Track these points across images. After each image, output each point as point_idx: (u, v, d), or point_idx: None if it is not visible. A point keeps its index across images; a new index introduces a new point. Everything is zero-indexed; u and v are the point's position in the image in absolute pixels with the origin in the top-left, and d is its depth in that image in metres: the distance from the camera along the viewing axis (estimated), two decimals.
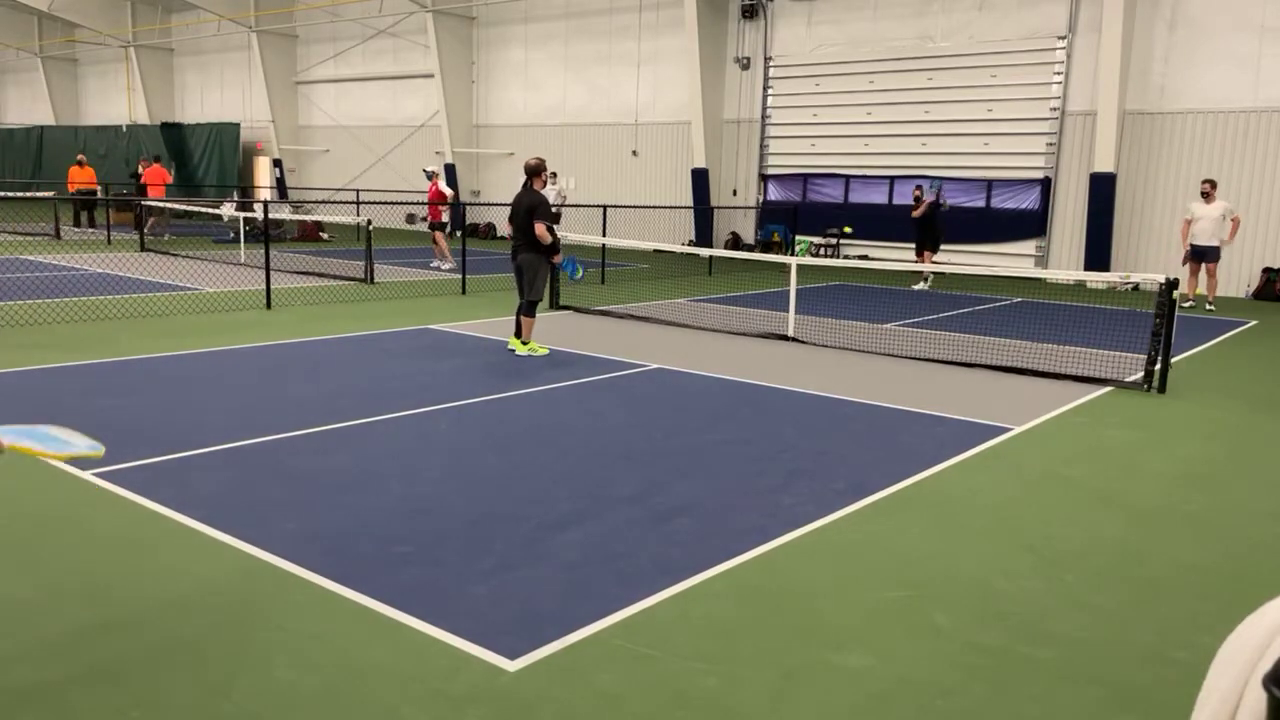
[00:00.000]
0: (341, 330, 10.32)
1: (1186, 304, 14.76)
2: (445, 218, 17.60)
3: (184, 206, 22.13)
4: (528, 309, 9.13)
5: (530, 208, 8.97)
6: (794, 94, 21.79)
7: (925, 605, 3.88)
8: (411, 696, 3.07)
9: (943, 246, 19.60)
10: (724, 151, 23.09)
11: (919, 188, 17.44)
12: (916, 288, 16.66)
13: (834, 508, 5.02)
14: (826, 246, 21.37)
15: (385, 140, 30.22)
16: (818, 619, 3.72)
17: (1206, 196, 14.40)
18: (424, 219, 17.97)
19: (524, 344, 9.16)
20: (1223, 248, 14.46)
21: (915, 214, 16.98)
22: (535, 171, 9.06)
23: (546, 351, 9.25)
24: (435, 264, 17.82)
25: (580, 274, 9.61)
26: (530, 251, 9.08)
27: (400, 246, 22.74)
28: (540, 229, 8.88)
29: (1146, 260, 17.84)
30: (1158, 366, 8.39)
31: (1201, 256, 14.39)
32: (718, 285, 16.47)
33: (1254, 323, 13.54)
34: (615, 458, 5.80)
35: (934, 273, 17.92)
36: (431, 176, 18.16)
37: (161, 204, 21.61)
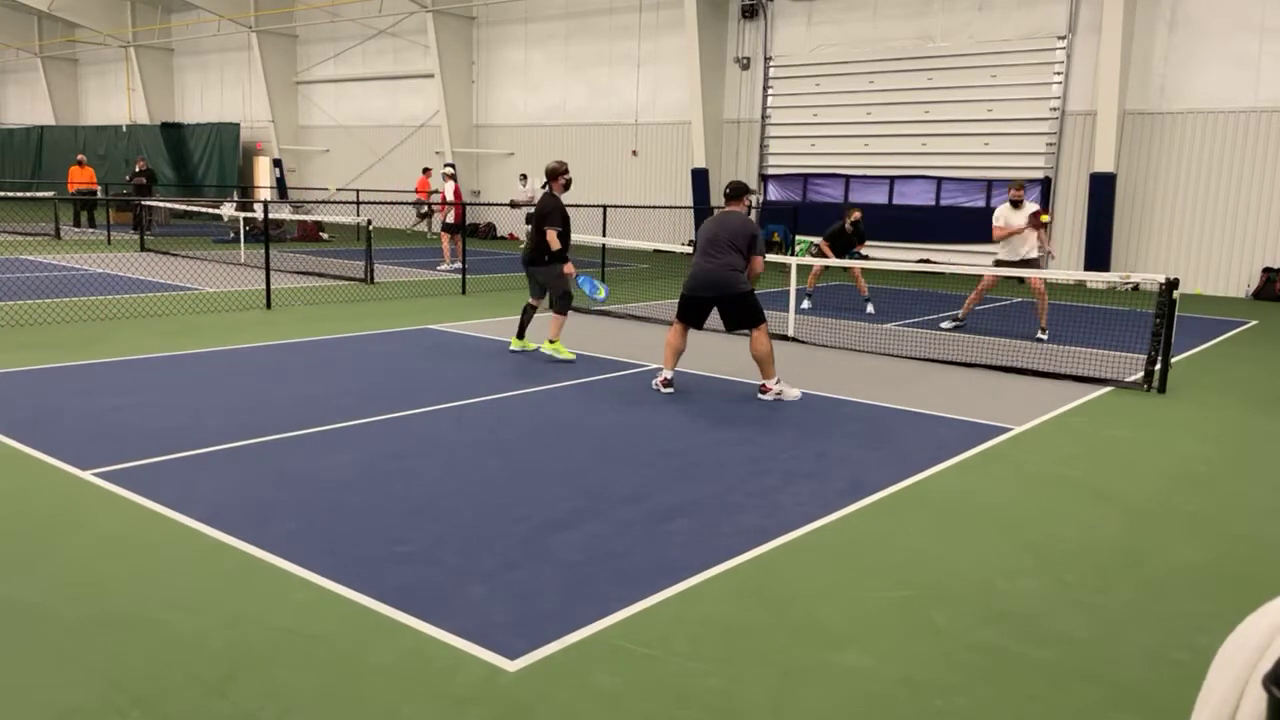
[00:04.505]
0: (341, 330, 10.32)
1: (947, 324, 11.90)
2: (450, 218, 17.58)
3: (184, 206, 22.13)
4: (559, 306, 8.89)
5: (542, 214, 8.76)
6: (794, 94, 21.79)
7: (925, 605, 3.88)
8: (411, 696, 3.06)
9: (944, 246, 19.64)
10: (724, 151, 23.09)
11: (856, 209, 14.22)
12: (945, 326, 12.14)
13: (834, 508, 5.02)
14: None
15: (385, 140, 30.22)
16: (818, 619, 3.72)
17: (1017, 204, 11.28)
18: (424, 214, 17.96)
19: (550, 343, 8.86)
20: (1046, 258, 11.20)
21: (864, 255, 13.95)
22: (553, 174, 8.86)
23: (572, 357, 8.93)
24: (443, 266, 17.76)
25: (603, 294, 9.35)
26: (542, 264, 8.85)
27: (401, 246, 22.74)
28: (550, 235, 8.68)
29: (1146, 260, 17.85)
30: (1158, 366, 8.39)
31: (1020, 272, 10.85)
32: None
33: (1254, 323, 13.54)
34: (615, 458, 5.80)
35: (930, 269, 17.67)
36: (448, 176, 18.18)
37: (163, 204, 21.61)
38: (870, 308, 13.55)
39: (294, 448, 5.77)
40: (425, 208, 17.47)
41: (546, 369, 8.51)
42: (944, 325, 11.93)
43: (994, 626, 3.71)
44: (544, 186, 8.98)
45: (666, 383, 7.76)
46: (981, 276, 11.61)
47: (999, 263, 11.34)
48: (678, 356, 7.81)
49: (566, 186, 8.93)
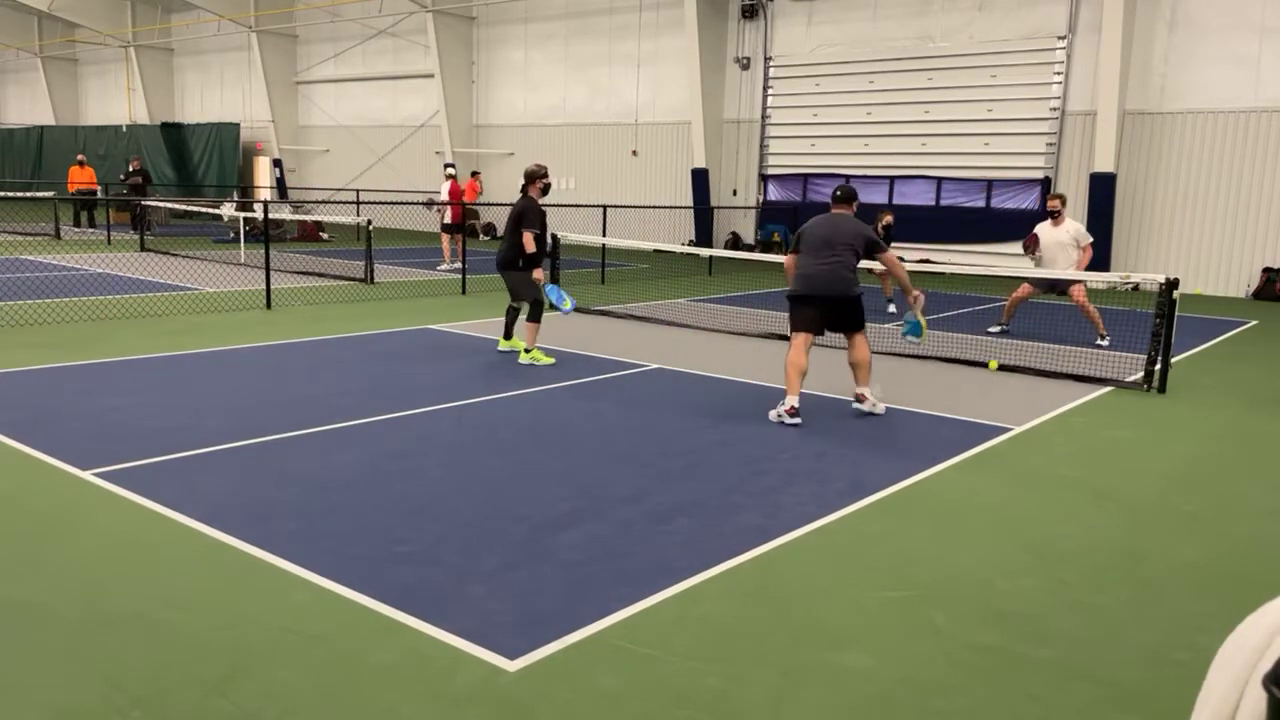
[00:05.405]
0: (341, 330, 10.32)
1: (993, 328, 11.91)
2: (448, 218, 17.57)
3: (184, 206, 22.13)
4: (532, 314, 8.76)
5: (518, 214, 8.61)
6: (794, 94, 21.80)
7: (925, 605, 3.88)
8: (411, 696, 3.07)
9: (945, 246, 19.65)
10: (724, 151, 23.09)
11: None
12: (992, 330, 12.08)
13: (834, 508, 5.02)
14: None
15: (385, 140, 30.22)
16: (818, 619, 3.72)
17: (1056, 216, 11.10)
18: (438, 209, 17.87)
19: (526, 351, 8.73)
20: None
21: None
22: (531, 177, 8.70)
23: (552, 361, 8.80)
24: (443, 266, 17.75)
25: (568, 306, 8.89)
26: (515, 268, 8.71)
27: (400, 246, 22.74)
28: (526, 237, 8.54)
29: (1146, 260, 17.85)
30: (1158, 366, 8.39)
31: (1053, 286, 11.37)
32: (718, 285, 16.47)
33: (1254, 323, 13.54)
34: (615, 458, 5.80)
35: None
36: (452, 176, 18.16)
37: (162, 204, 21.61)
38: (891, 307, 13.60)
39: (294, 448, 5.77)
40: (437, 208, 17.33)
41: (545, 369, 8.51)
42: (991, 329, 11.91)
43: (994, 626, 3.71)
44: (522, 190, 8.84)
45: (794, 411, 6.74)
46: (981, 276, 11.59)
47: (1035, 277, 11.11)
48: (803, 377, 6.88)
49: (544, 191, 8.75)
